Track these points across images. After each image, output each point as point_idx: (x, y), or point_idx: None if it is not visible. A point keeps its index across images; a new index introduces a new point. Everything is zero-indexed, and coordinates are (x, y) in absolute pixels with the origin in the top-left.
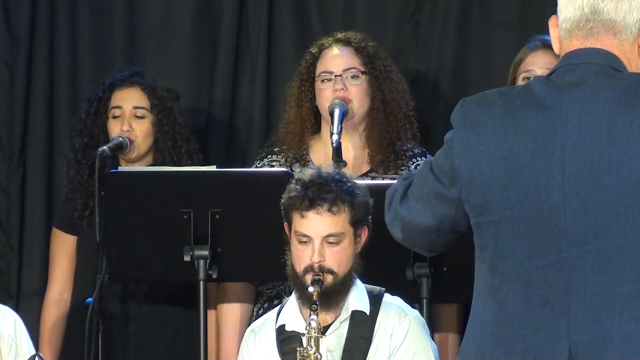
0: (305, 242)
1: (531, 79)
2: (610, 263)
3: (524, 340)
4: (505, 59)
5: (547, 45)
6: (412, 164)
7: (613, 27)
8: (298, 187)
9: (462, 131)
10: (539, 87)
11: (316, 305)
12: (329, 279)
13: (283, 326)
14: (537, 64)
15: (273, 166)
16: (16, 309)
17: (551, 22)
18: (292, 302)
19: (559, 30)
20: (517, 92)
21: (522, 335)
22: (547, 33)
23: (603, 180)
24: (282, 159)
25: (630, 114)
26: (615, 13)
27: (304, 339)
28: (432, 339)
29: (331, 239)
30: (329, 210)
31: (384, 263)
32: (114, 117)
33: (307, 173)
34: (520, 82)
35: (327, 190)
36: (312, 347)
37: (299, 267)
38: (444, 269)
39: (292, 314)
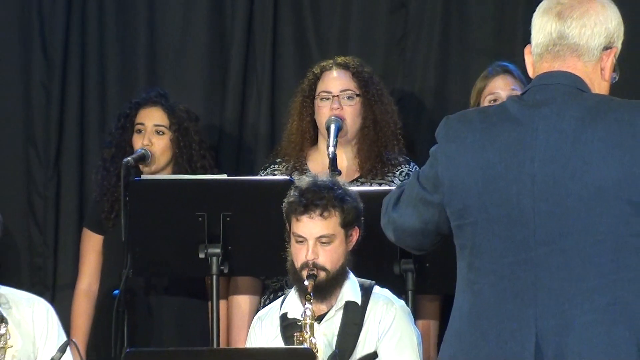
0: (301, 241)
1: (500, 99)
2: (573, 261)
3: (497, 327)
4: None
5: (505, 70)
6: (397, 171)
7: (577, 50)
8: (295, 193)
9: (445, 144)
10: (513, 105)
11: (310, 296)
12: (322, 274)
13: (286, 314)
14: (500, 87)
15: (275, 174)
16: (52, 300)
17: (526, 50)
18: (294, 293)
19: (532, 56)
20: (494, 110)
21: (495, 322)
22: (516, 57)
23: (568, 188)
24: (282, 168)
25: (592, 130)
26: (579, 37)
27: (302, 325)
28: (416, 326)
29: (323, 240)
30: (321, 215)
31: (374, 259)
32: (138, 132)
33: (305, 181)
34: (486, 104)
35: (319, 197)
36: (307, 332)
37: (297, 264)
38: (427, 264)
39: (293, 303)
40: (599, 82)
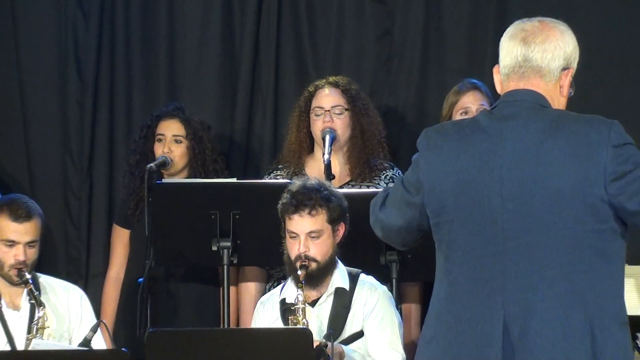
0: (294, 237)
1: (471, 112)
2: (536, 253)
3: (470, 310)
4: None
5: (475, 87)
6: (382, 175)
7: (540, 72)
8: (288, 195)
9: (425, 153)
10: (484, 118)
11: (302, 284)
12: (313, 265)
13: (284, 300)
14: (471, 101)
15: (277, 178)
16: (85, 287)
17: (494, 70)
18: (291, 282)
19: (500, 75)
20: (467, 122)
21: (468, 307)
22: (486, 76)
23: (532, 190)
24: (284, 173)
25: (552, 141)
26: (542, 60)
27: (297, 309)
28: (400, 309)
29: (313, 235)
30: (309, 213)
31: (363, 251)
32: (158, 141)
33: (295, 185)
34: (457, 117)
35: (308, 198)
36: (300, 315)
37: (291, 256)
38: (409, 256)
39: (291, 290)
40: (558, 98)
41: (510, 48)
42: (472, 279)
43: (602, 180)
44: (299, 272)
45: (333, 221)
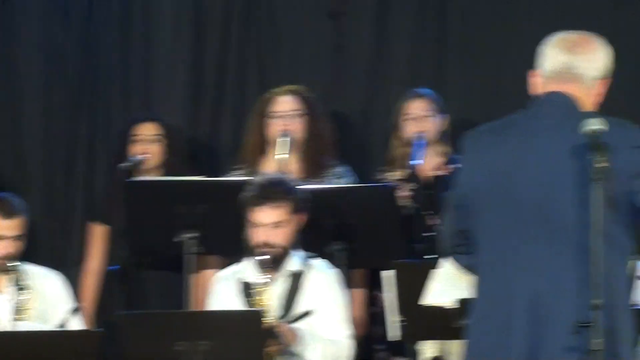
0: (257, 226)
1: (410, 119)
2: (561, 239)
3: (498, 291)
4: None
5: (417, 95)
6: (331, 172)
7: (580, 78)
8: (252, 188)
9: (467, 153)
10: (521, 117)
11: (265, 268)
12: (274, 251)
13: (243, 277)
14: (410, 108)
15: (237, 177)
16: (65, 274)
17: (530, 74)
18: (251, 262)
19: (539, 78)
20: (503, 121)
21: (496, 287)
22: (425, 86)
23: (558, 181)
24: (243, 172)
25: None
26: (583, 69)
27: (256, 291)
28: (348, 292)
29: (275, 224)
30: (272, 205)
31: (314, 240)
32: (135, 142)
33: (259, 179)
34: (402, 122)
35: (270, 191)
36: (262, 297)
37: (254, 243)
38: (355, 245)
39: (250, 270)
40: (591, 105)
41: (555, 54)
42: (500, 262)
43: (625, 177)
44: (261, 258)
45: (293, 212)
